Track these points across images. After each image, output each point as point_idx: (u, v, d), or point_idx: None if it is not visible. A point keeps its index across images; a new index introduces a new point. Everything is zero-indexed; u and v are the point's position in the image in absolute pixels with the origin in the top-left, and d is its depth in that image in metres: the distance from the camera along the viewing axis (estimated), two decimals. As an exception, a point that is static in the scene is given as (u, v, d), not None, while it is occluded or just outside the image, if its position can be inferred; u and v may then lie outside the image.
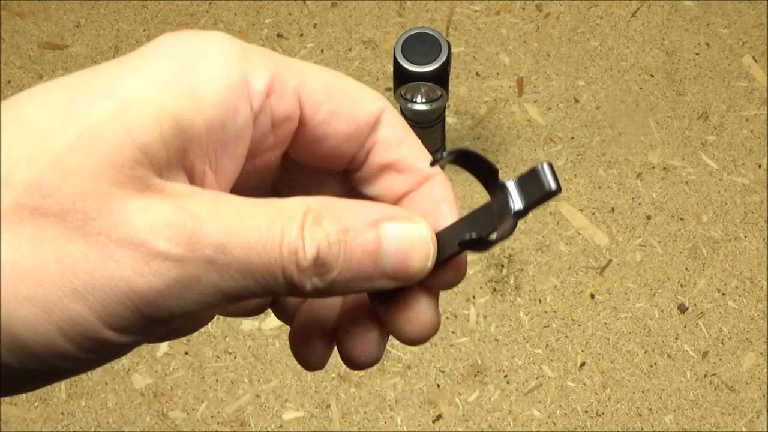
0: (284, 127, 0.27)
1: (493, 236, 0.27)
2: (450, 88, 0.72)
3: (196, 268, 0.23)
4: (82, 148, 0.22)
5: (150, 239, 0.22)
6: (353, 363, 0.30)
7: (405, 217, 0.27)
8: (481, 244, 0.27)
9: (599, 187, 0.84)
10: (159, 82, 0.24)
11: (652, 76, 0.89)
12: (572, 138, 0.86)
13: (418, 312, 0.29)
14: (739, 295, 0.79)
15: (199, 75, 0.24)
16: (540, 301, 0.79)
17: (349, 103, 0.27)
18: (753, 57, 0.90)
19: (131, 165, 0.23)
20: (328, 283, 0.25)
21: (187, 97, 0.24)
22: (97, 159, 0.22)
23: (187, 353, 0.78)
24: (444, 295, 0.79)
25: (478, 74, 0.89)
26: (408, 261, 0.27)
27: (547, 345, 0.78)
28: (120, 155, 0.22)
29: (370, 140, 0.28)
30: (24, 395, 0.77)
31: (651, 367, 0.77)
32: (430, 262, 0.28)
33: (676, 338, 0.78)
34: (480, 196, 0.83)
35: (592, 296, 0.79)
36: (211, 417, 0.76)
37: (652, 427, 0.75)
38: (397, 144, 0.28)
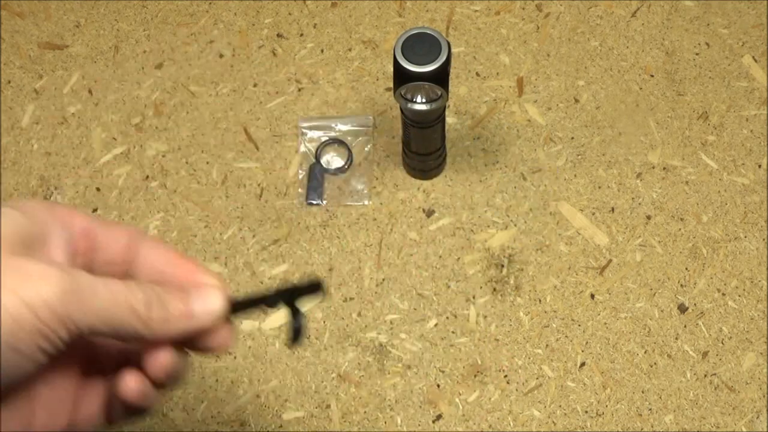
0: (83, 241, 0.45)
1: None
2: (450, 88, 0.72)
3: (78, 286, 0.39)
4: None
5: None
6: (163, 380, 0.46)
7: (204, 289, 0.46)
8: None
9: (599, 187, 0.84)
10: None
11: (652, 76, 0.89)
12: (572, 138, 0.86)
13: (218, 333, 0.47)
14: (739, 295, 0.79)
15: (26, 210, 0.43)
16: (540, 301, 0.79)
17: (114, 226, 0.47)
18: (753, 57, 0.90)
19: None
20: (161, 318, 0.43)
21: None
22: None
23: (187, 353, 0.78)
24: (444, 295, 0.79)
25: (478, 74, 0.89)
26: (209, 311, 0.45)
27: (547, 345, 0.78)
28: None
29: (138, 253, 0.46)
30: (24, 395, 0.77)
31: (651, 367, 0.77)
32: (222, 313, 0.46)
33: (676, 338, 0.78)
34: (480, 196, 0.83)
35: (592, 296, 0.79)
36: (211, 417, 0.76)
37: (652, 427, 0.75)
38: (156, 253, 0.47)
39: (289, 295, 0.51)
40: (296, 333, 0.52)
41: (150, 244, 0.47)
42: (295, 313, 0.51)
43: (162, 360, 0.45)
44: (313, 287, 0.51)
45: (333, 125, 0.86)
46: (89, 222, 0.44)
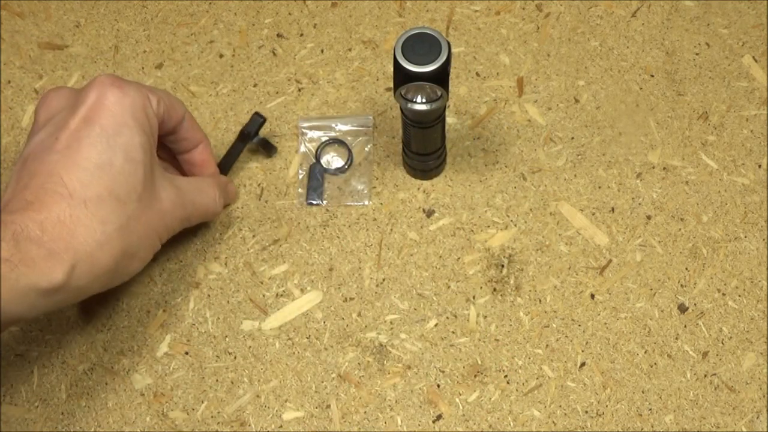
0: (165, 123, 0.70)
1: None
2: (450, 88, 0.72)
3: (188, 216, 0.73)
4: None
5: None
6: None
7: (224, 181, 0.79)
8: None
9: (599, 187, 0.84)
10: None
11: (652, 76, 0.89)
12: (572, 138, 0.86)
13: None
14: (739, 295, 0.79)
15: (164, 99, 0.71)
16: (540, 301, 0.79)
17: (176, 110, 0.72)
18: (753, 57, 0.90)
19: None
20: (221, 208, 0.77)
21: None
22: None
23: (187, 353, 0.78)
24: (444, 295, 0.79)
25: (478, 74, 0.89)
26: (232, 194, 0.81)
27: (547, 345, 0.78)
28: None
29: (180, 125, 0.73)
30: (24, 395, 0.77)
31: (651, 367, 0.77)
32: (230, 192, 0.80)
33: (676, 338, 0.78)
34: (480, 195, 0.83)
35: (592, 296, 0.80)
36: (211, 417, 0.76)
37: (652, 427, 0.75)
38: (190, 128, 0.75)
39: (246, 136, 0.82)
40: (266, 146, 0.84)
41: (192, 125, 0.74)
42: (256, 139, 0.83)
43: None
44: (256, 118, 0.82)
45: (333, 125, 0.86)
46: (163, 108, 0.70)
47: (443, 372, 0.77)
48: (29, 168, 0.63)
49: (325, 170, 0.85)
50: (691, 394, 0.76)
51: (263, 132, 0.83)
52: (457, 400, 0.76)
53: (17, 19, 0.93)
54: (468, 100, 0.88)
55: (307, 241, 0.82)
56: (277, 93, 0.88)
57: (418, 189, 0.84)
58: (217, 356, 0.78)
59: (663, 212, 0.83)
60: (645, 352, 0.78)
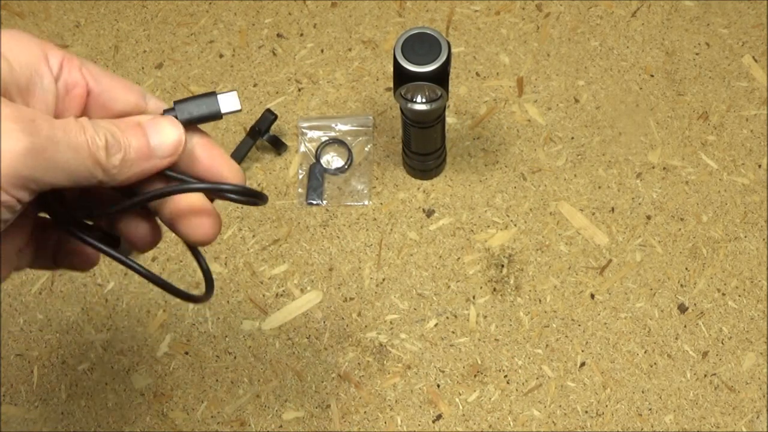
0: (76, 91, 0.42)
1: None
2: (450, 88, 0.72)
3: (40, 142, 0.37)
4: None
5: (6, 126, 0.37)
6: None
7: (156, 117, 0.43)
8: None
9: (599, 187, 0.84)
10: None
11: (652, 76, 0.89)
12: (572, 138, 0.86)
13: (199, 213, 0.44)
14: (739, 295, 0.79)
15: (13, 52, 0.39)
16: (540, 301, 0.79)
17: (119, 79, 0.44)
18: (753, 57, 0.90)
19: None
20: (121, 162, 0.40)
21: (6, 69, 0.39)
22: None
23: (187, 353, 0.78)
24: (444, 295, 0.79)
25: (478, 74, 0.89)
26: (164, 137, 0.42)
27: (547, 345, 0.78)
28: None
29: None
30: (24, 395, 0.77)
31: (651, 367, 0.77)
32: (180, 142, 0.43)
33: (676, 338, 0.78)
34: (480, 196, 0.83)
35: (592, 296, 0.80)
36: (211, 417, 0.76)
37: (652, 427, 0.75)
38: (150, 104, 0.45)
39: (257, 132, 0.81)
40: (276, 143, 0.82)
41: (157, 105, 0.44)
42: (266, 136, 0.82)
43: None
44: (267, 115, 0.82)
45: (333, 125, 0.86)
46: (89, 68, 0.43)
47: (443, 372, 0.77)
48: None
49: (325, 170, 0.85)
50: (691, 394, 0.76)
51: None
52: (457, 400, 0.76)
53: (17, 19, 0.93)
54: (468, 100, 0.88)
55: (307, 241, 0.82)
56: (277, 93, 0.88)
57: (418, 189, 0.84)
58: (217, 356, 0.78)
59: (663, 212, 0.83)
60: (645, 352, 0.78)
